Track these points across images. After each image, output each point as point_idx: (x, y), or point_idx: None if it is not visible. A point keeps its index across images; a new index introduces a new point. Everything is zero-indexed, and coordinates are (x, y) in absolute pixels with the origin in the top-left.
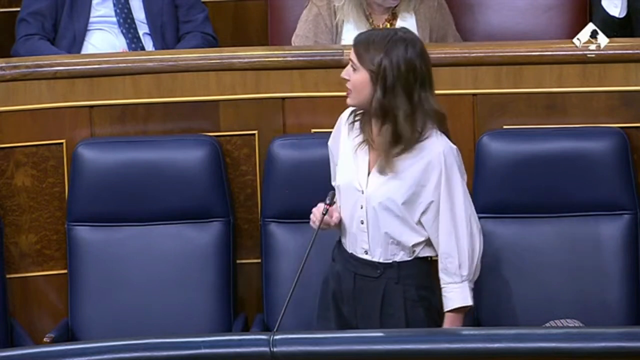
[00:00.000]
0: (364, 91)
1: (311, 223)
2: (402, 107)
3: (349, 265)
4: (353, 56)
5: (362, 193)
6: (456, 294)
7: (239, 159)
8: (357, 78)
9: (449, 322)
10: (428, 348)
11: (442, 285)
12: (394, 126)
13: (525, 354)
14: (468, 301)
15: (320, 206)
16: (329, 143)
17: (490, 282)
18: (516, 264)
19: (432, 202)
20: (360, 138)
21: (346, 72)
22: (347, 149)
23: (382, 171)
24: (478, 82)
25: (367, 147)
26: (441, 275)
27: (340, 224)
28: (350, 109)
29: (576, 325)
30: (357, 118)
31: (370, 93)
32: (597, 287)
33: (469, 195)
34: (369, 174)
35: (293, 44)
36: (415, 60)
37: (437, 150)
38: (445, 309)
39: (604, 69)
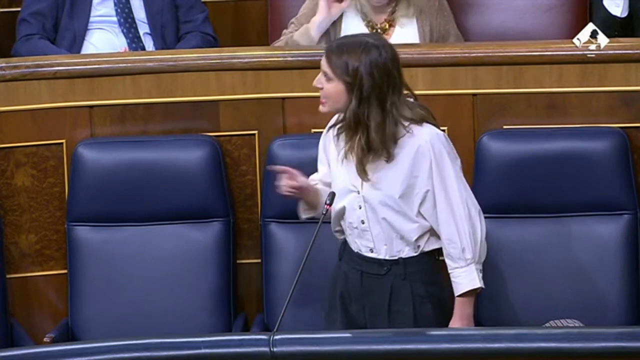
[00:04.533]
0: (340, 100)
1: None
2: (374, 118)
3: (355, 264)
4: (325, 66)
5: (358, 193)
6: (463, 277)
7: (239, 159)
8: (331, 88)
9: (459, 307)
10: (428, 348)
11: (449, 271)
12: (366, 137)
13: (525, 354)
14: (476, 283)
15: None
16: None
17: (490, 282)
18: (516, 264)
19: (427, 191)
20: (346, 147)
21: (318, 81)
22: (335, 157)
23: (362, 178)
24: (478, 82)
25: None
26: (446, 261)
27: (311, 193)
28: (331, 122)
29: (576, 325)
30: (340, 131)
31: (346, 102)
32: (597, 287)
33: (463, 179)
34: None
35: (287, 28)
36: (389, 64)
37: (423, 139)
38: (455, 294)
39: (604, 69)
